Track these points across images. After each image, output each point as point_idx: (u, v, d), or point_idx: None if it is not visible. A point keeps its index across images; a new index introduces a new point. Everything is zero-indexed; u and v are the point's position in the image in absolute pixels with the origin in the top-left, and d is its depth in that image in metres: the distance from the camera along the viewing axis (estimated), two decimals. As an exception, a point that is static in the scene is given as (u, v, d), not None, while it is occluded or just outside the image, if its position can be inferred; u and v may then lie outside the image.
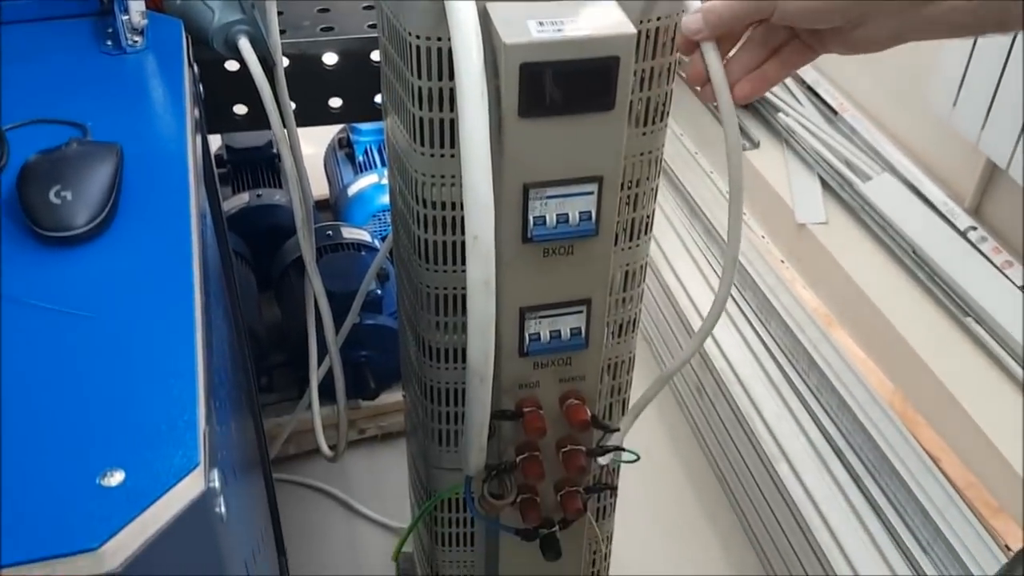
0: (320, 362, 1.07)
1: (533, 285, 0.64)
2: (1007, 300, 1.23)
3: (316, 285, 0.89)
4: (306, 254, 0.85)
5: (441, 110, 0.61)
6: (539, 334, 0.66)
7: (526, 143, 0.57)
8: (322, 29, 0.83)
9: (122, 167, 0.52)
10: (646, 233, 0.71)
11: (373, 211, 1.57)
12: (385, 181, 1.58)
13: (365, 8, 0.87)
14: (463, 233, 0.66)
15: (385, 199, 1.57)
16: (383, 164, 1.63)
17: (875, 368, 1.33)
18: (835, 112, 1.72)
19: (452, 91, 0.60)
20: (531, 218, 0.60)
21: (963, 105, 1.27)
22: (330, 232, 1.44)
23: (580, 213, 0.60)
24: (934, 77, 1.33)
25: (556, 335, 0.66)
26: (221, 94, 0.80)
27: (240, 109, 0.84)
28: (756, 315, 1.44)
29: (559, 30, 0.53)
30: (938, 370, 1.23)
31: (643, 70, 0.61)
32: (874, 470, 1.18)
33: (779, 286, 1.45)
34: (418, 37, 0.58)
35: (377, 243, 1.47)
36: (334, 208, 1.68)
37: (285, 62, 0.80)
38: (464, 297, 0.70)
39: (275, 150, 1.65)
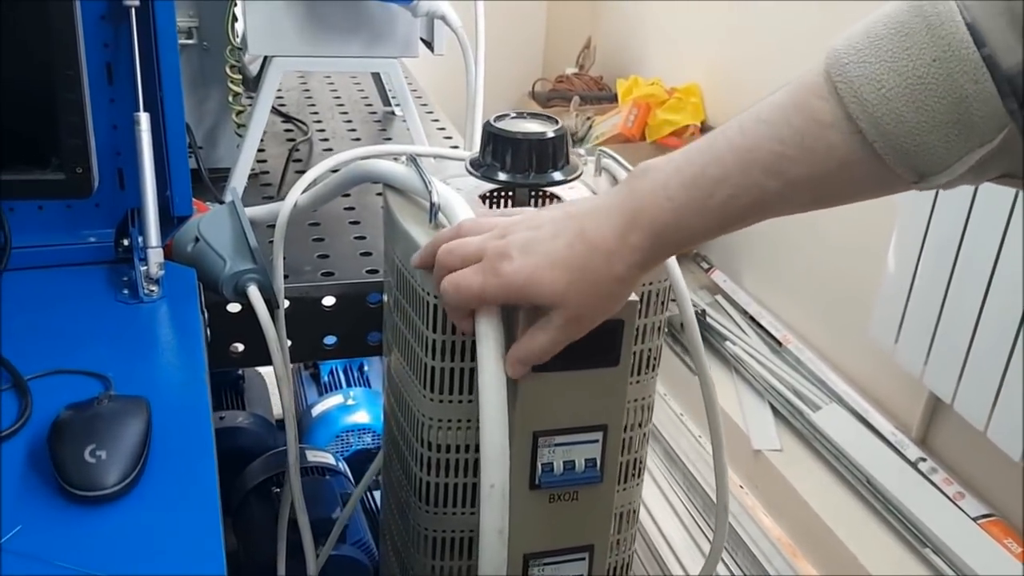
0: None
1: (538, 532, 0.65)
2: (963, 532, 1.26)
3: (302, 521, 0.88)
4: (296, 495, 0.85)
5: (452, 360, 0.64)
6: (542, 581, 0.66)
7: (538, 394, 0.60)
8: (323, 274, 0.88)
9: (151, 423, 0.54)
10: (639, 476, 0.73)
11: (337, 432, 1.56)
12: (351, 402, 1.59)
13: (362, 254, 0.92)
14: (466, 476, 0.68)
15: (349, 420, 1.57)
16: (348, 385, 1.65)
17: (841, 601, 1.34)
18: (779, 343, 1.82)
19: (464, 344, 0.64)
20: (540, 465, 0.62)
21: (905, 341, 1.37)
22: (294, 456, 1.43)
23: (586, 460, 0.63)
24: (876, 313, 1.44)
25: (558, 582, 0.66)
26: (221, 334, 0.83)
27: (238, 347, 0.86)
28: (724, 545, 1.44)
29: (571, 296, 0.58)
30: (904, 603, 1.24)
31: (637, 327, 0.67)
32: None
33: (742, 513, 1.47)
34: (435, 297, 0.62)
35: (342, 465, 1.46)
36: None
37: (286, 304, 0.84)
38: (463, 541, 0.70)
39: (239, 372, 1.66)
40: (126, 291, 0.71)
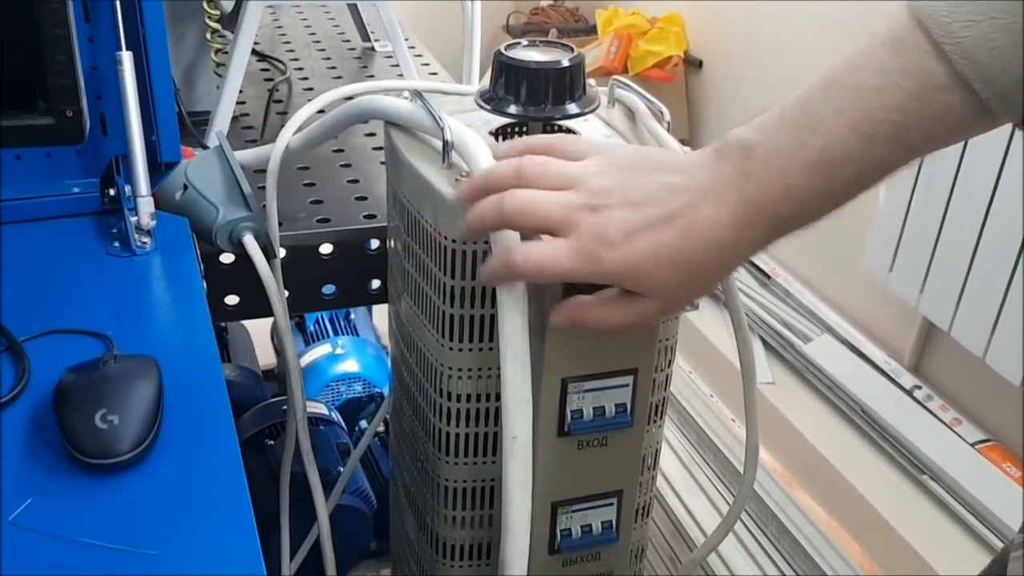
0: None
1: (566, 479, 0.62)
2: (961, 457, 1.27)
3: (312, 477, 0.85)
4: (304, 449, 0.82)
5: (472, 307, 0.61)
6: (570, 530, 0.64)
7: (567, 339, 0.57)
8: (318, 220, 0.84)
9: (162, 383, 0.50)
10: (661, 417, 0.71)
11: (326, 381, 1.54)
12: (339, 351, 1.55)
13: (357, 199, 0.88)
14: (487, 425, 0.65)
15: (338, 369, 1.54)
16: (335, 333, 1.62)
17: (839, 529, 1.35)
18: (767, 276, 1.81)
19: (484, 290, 0.60)
20: (569, 411, 0.59)
21: (900, 269, 1.36)
22: (286, 407, 1.40)
23: (616, 405, 0.60)
24: (870, 242, 1.42)
25: (587, 530, 0.65)
26: (214, 286, 0.79)
27: (232, 300, 0.82)
28: (720, 479, 1.44)
29: (600, 235, 0.55)
30: (902, 529, 1.25)
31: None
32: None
33: (738, 446, 1.47)
34: (454, 241, 0.59)
35: (335, 415, 1.43)
36: (284, 378, 1.63)
37: (282, 253, 0.80)
38: (484, 490, 0.68)
39: (223, 324, 1.62)
40: (117, 244, 0.66)
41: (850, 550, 1.28)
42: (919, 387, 1.40)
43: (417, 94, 0.65)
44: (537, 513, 0.63)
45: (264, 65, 1.22)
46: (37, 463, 0.47)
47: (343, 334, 1.62)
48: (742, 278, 1.83)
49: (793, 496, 1.37)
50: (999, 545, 1.17)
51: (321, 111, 0.77)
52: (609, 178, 0.49)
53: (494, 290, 0.59)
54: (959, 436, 1.30)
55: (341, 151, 0.99)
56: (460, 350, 0.62)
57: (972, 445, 1.28)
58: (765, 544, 1.31)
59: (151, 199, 0.67)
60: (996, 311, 1.19)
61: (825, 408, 1.49)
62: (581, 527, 0.64)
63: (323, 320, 1.64)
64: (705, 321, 1.78)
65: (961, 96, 0.41)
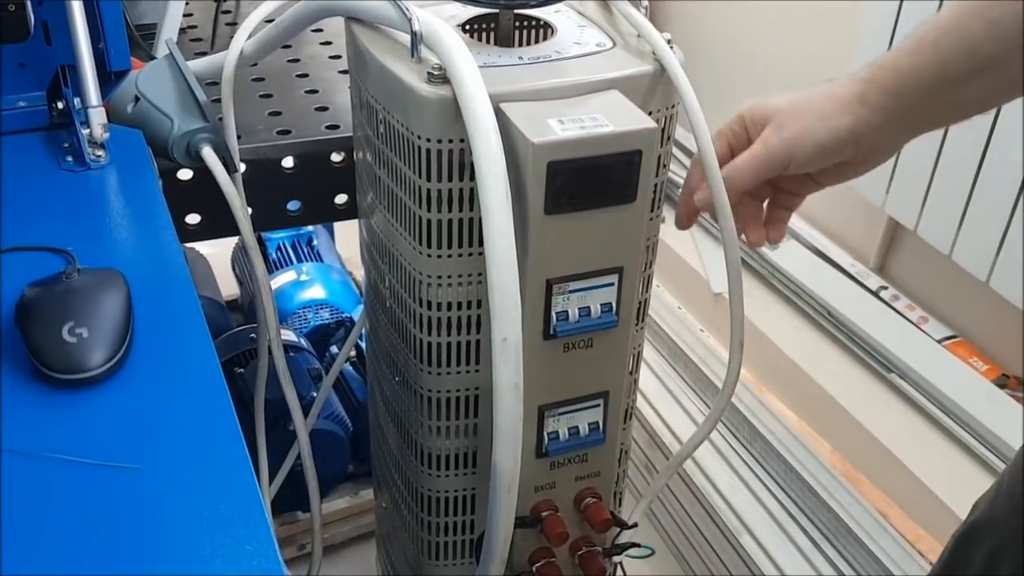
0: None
1: (553, 382, 0.62)
2: (928, 354, 1.29)
3: (290, 396, 0.83)
4: (279, 365, 0.80)
5: (450, 211, 0.59)
6: (557, 432, 0.64)
7: (550, 239, 0.56)
8: (278, 132, 0.80)
9: (131, 295, 0.48)
10: (642, 319, 0.71)
11: (293, 309, 1.51)
12: (304, 277, 1.52)
13: (317, 109, 0.85)
14: (469, 333, 0.64)
15: (304, 296, 1.52)
16: (299, 260, 1.58)
17: (810, 430, 1.37)
18: (733, 185, 1.80)
19: (462, 191, 0.58)
20: (554, 314, 0.58)
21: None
22: (253, 335, 1.37)
23: (601, 305, 0.59)
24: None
25: (574, 432, 0.64)
26: (172, 205, 0.75)
27: (193, 219, 0.79)
28: (692, 388, 1.45)
29: (583, 127, 0.53)
30: (871, 427, 1.28)
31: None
32: (830, 533, 1.19)
33: (709, 356, 1.48)
34: (428, 140, 0.56)
35: (304, 342, 1.41)
36: (247, 309, 1.60)
37: (242, 168, 0.77)
38: (467, 399, 0.67)
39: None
40: (69, 158, 0.63)
41: (821, 449, 1.30)
42: (885, 288, 1.41)
43: (380, -13, 0.61)
44: (524, 417, 0.62)
45: (209, -23, 1.16)
46: (3, 382, 0.45)
47: (307, 260, 1.58)
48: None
49: (764, 400, 1.38)
50: (968, 439, 1.19)
51: (269, 20, 0.73)
52: None
53: (472, 192, 0.57)
54: (926, 334, 1.31)
55: (297, 60, 0.95)
56: (439, 256, 0.60)
57: (939, 342, 1.30)
58: (738, 448, 1.33)
59: (103, 109, 0.63)
60: (963, 207, 1.19)
61: (792, 313, 1.50)
62: (568, 429, 0.64)
63: (285, 247, 1.60)
64: (670, 235, 1.77)
65: None
